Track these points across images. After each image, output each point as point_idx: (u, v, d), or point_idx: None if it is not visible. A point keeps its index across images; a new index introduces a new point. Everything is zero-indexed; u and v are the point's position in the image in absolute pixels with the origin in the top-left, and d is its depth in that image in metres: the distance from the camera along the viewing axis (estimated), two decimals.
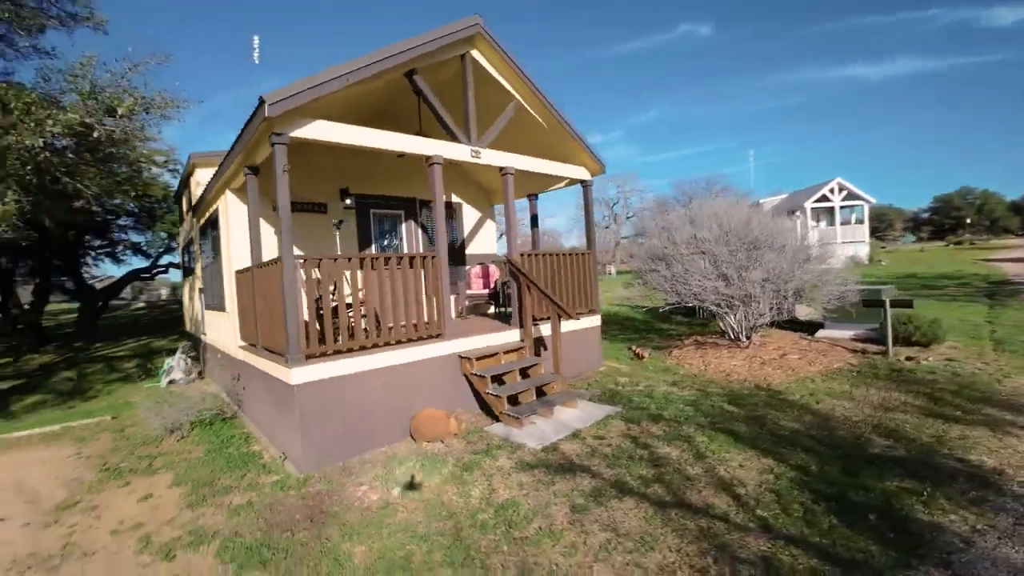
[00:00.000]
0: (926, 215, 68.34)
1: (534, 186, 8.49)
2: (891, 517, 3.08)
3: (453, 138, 5.81)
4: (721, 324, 8.08)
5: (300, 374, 4.31)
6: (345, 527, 3.38)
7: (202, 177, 7.83)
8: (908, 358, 6.55)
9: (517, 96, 6.51)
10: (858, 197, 29.78)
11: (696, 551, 2.85)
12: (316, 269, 4.66)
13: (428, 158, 5.45)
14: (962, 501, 3.20)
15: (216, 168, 6.32)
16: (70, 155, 7.37)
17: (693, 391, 5.97)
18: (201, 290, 9.49)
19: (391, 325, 5.04)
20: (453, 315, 8.30)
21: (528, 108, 6.69)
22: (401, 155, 5.43)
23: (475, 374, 5.35)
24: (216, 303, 7.88)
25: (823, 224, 30.80)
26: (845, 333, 8.06)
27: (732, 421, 4.87)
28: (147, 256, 20.62)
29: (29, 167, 6.47)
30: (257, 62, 11.28)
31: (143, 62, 7.65)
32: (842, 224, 30.05)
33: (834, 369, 6.49)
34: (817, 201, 29.72)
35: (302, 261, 4.53)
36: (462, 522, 3.33)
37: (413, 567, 2.90)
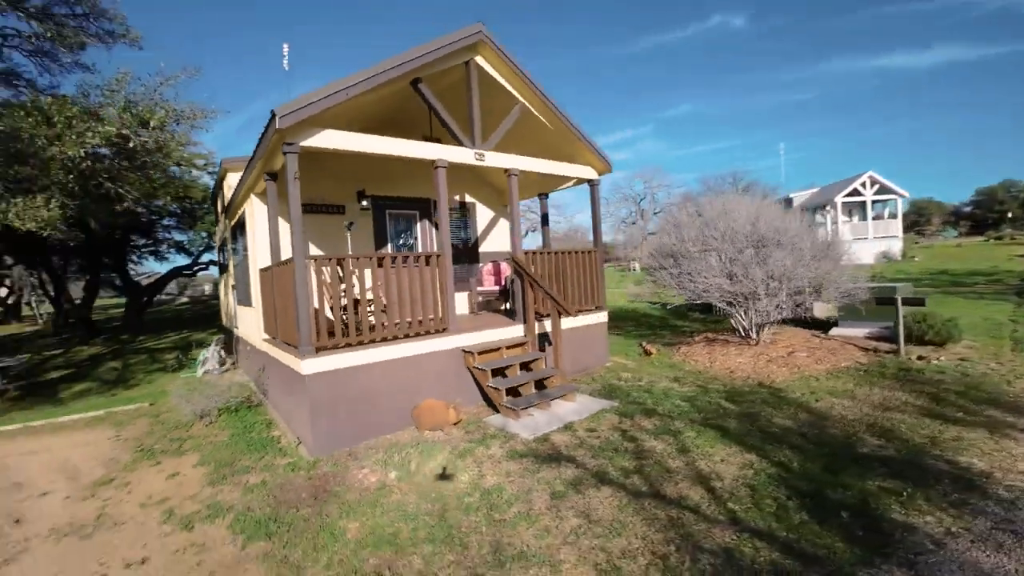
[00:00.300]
0: (967, 209, 64.43)
1: (542, 186, 8.65)
2: (865, 516, 3.09)
3: (458, 142, 6.03)
4: (732, 321, 8.07)
5: (311, 365, 4.66)
6: (344, 505, 3.69)
7: (233, 181, 8.28)
8: (919, 357, 6.42)
9: (521, 99, 6.68)
10: (891, 191, 28.58)
11: (661, 539, 3.00)
12: (326, 268, 4.99)
13: (433, 162, 5.72)
14: (942, 503, 3.16)
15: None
16: (110, 162, 7.98)
17: (693, 387, 6.05)
18: (234, 287, 10.03)
19: (398, 320, 5.33)
20: (466, 311, 8.60)
21: (533, 110, 6.84)
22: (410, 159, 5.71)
23: (477, 367, 5.59)
24: (245, 299, 8.37)
25: (855, 219, 29.68)
26: (859, 331, 7.92)
27: (724, 417, 4.94)
28: (189, 254, 21.73)
29: (72, 175, 7.07)
30: (287, 68, 11.84)
31: (174, 76, 8.22)
32: (874, 219, 28.91)
33: (841, 368, 6.43)
34: (848, 195, 28.65)
35: (312, 261, 4.88)
36: (449, 504, 3.59)
37: (399, 542, 3.18)
